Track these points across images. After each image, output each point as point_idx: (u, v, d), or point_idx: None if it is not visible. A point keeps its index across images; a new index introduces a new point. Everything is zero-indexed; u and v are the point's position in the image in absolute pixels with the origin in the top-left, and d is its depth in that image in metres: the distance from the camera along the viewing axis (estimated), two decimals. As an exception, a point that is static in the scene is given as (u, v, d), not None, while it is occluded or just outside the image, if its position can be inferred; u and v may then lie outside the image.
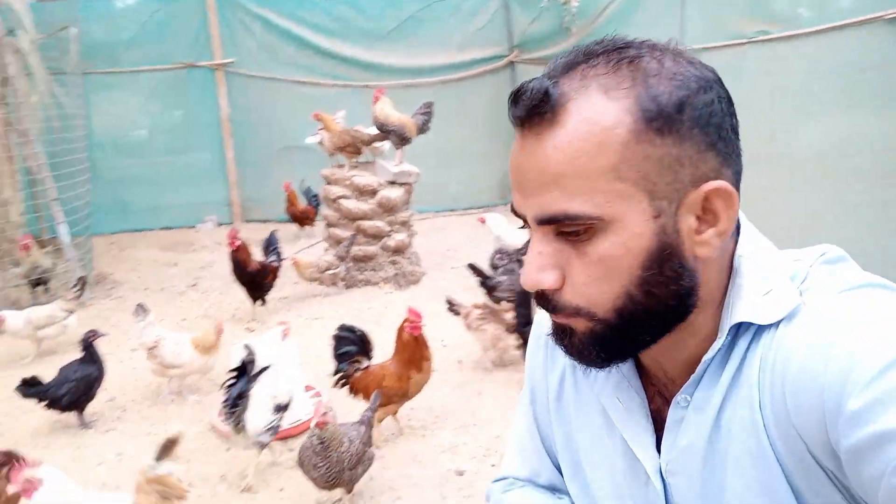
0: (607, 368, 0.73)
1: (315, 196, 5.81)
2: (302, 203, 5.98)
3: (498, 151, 6.67)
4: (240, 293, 4.08)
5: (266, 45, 6.62)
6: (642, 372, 0.77)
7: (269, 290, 3.95)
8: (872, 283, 0.64)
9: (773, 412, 0.64)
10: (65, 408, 2.67)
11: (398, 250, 4.55)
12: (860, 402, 0.54)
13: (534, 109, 0.63)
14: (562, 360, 0.85)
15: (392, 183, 4.50)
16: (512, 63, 7.11)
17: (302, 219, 5.96)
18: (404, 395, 2.62)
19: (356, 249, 4.43)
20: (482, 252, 4.26)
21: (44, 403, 2.60)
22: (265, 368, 2.44)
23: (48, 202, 4.72)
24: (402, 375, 2.58)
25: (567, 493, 0.87)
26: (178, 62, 6.50)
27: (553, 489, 0.91)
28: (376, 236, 4.49)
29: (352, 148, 4.48)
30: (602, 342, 0.67)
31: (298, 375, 2.91)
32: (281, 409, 2.40)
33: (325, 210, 4.68)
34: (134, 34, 6.41)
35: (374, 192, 4.45)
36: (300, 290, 4.45)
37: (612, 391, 0.77)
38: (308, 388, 3.00)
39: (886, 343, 0.56)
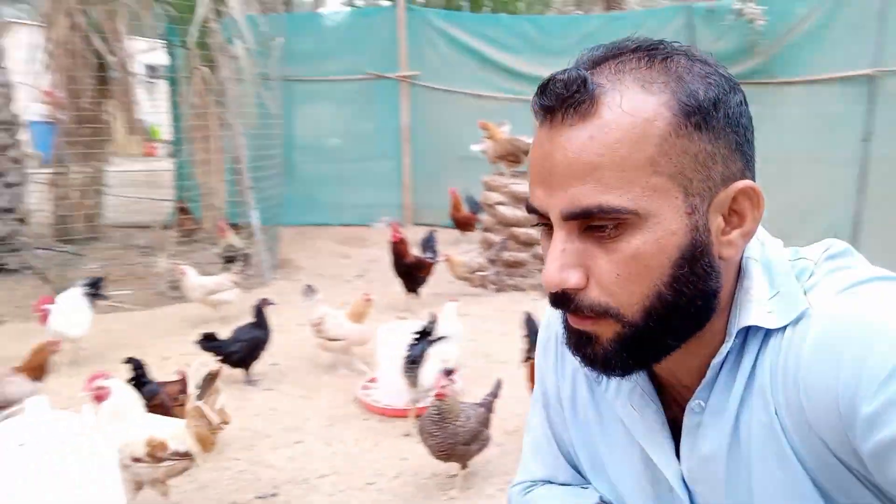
0: (627, 377, 0.72)
1: (477, 204, 6.06)
2: (465, 209, 6.25)
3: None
4: (399, 286, 4.43)
5: (448, 60, 7.01)
6: (655, 380, 0.75)
7: (422, 283, 4.22)
8: (878, 276, 0.63)
9: (790, 416, 0.63)
10: (234, 364, 3.10)
11: (549, 259, 4.66)
12: (873, 406, 0.54)
13: (569, 99, 0.61)
14: (572, 364, 0.83)
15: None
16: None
17: (464, 224, 6.22)
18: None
19: (507, 255, 4.60)
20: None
21: (218, 358, 3.04)
22: (442, 337, 2.80)
23: (244, 191, 5.39)
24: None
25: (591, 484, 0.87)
26: (369, 73, 7.09)
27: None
28: (528, 244, 4.63)
29: (513, 157, 4.67)
30: (630, 347, 0.65)
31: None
32: (448, 372, 2.61)
33: (482, 215, 4.90)
34: (333, 46, 7.09)
35: (530, 201, 4.60)
36: (452, 288, 4.70)
37: (625, 399, 0.76)
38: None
39: (894, 344, 0.55)
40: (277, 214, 5.74)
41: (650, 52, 0.63)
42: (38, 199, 6.29)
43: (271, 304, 3.32)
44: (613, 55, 0.64)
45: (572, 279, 0.63)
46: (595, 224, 0.62)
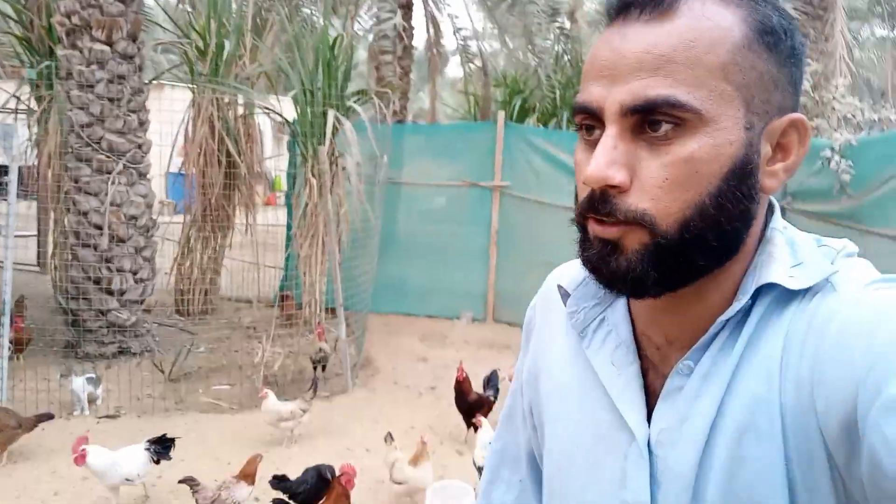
0: (597, 302, 0.75)
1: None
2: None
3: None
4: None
5: (538, 172, 7.41)
6: (636, 335, 0.74)
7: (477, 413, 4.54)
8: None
9: (796, 392, 0.60)
10: (300, 502, 3.54)
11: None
12: None
13: None
14: (558, 324, 0.82)
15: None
16: (783, 209, 6.94)
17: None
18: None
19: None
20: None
21: (287, 496, 3.48)
22: None
23: (335, 290, 5.91)
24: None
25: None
26: (465, 180, 7.60)
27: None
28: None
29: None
30: (655, 260, 0.63)
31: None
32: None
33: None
34: (435, 153, 7.67)
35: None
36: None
37: (607, 356, 0.74)
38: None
39: None
40: (368, 305, 6.26)
41: None
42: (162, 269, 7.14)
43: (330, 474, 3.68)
44: None
45: (619, 176, 0.62)
46: (654, 120, 0.61)
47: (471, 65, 12.58)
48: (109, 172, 5.52)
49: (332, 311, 6.67)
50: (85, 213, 5.53)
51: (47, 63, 6.20)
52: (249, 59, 7.48)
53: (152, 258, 6.04)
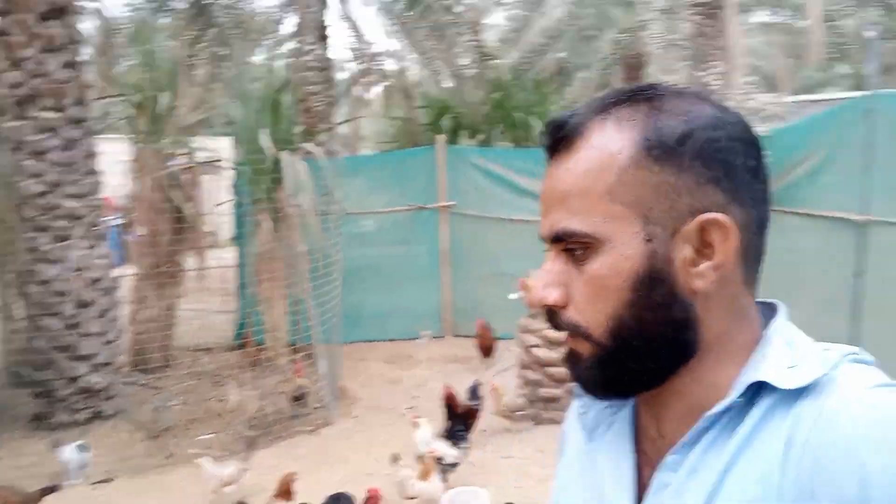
0: (608, 402, 0.78)
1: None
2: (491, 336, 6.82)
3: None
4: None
5: (481, 189, 7.77)
6: (638, 432, 0.77)
7: (472, 428, 4.79)
8: None
9: (796, 492, 0.59)
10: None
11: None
12: None
13: (553, 139, 0.70)
14: (574, 441, 0.85)
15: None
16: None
17: (487, 350, 6.85)
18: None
19: (543, 391, 5.18)
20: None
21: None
22: None
23: (310, 326, 6.03)
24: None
25: None
26: (411, 204, 7.88)
27: None
28: (561, 381, 5.20)
29: (545, 306, 5.29)
30: (602, 367, 0.69)
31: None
32: None
33: (522, 356, 5.50)
34: (378, 182, 7.91)
35: (563, 344, 5.19)
36: (496, 423, 5.27)
37: (606, 447, 0.78)
38: None
39: None
40: (336, 336, 6.41)
41: (644, 94, 0.69)
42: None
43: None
44: (618, 98, 0.70)
45: (551, 296, 0.69)
46: (570, 247, 0.69)
47: (393, 89, 12.89)
48: (67, 238, 5.49)
49: (295, 349, 6.80)
50: (46, 282, 5.48)
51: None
52: (187, 105, 7.54)
53: (117, 319, 6.01)
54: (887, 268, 4.80)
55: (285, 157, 6.36)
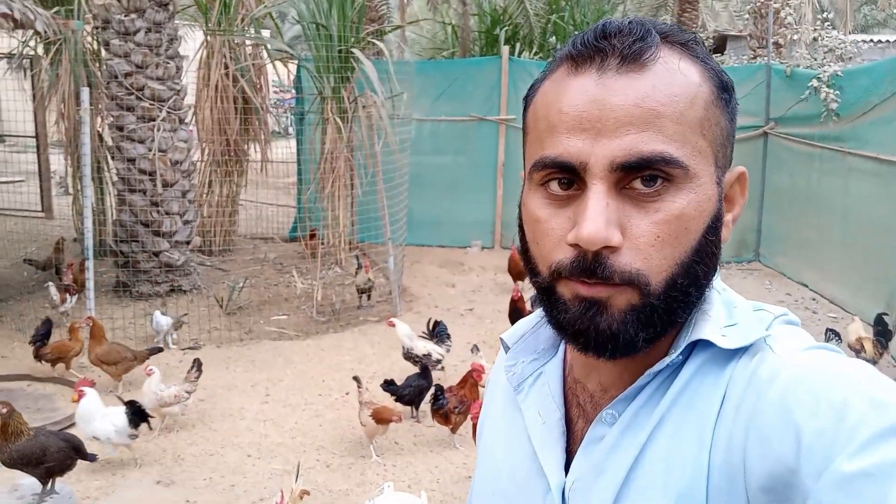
0: (535, 356, 0.76)
1: None
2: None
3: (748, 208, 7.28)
4: (506, 324, 5.35)
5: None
6: (570, 384, 0.74)
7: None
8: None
9: (727, 449, 0.58)
10: (406, 403, 4.09)
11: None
12: (858, 464, 0.49)
13: (631, 46, 0.60)
14: (502, 386, 0.82)
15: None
16: (766, 134, 7.58)
17: (520, 275, 6.39)
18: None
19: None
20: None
21: (394, 398, 4.03)
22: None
23: (382, 223, 6.29)
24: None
25: None
26: (473, 115, 7.98)
27: None
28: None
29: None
30: (646, 320, 0.61)
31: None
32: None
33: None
34: (443, 90, 7.98)
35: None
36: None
37: (534, 405, 0.74)
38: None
39: (886, 403, 0.51)
40: (404, 238, 6.71)
41: (677, 33, 0.64)
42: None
43: (435, 362, 4.27)
44: (663, 31, 0.63)
45: (616, 237, 0.59)
46: (650, 176, 0.59)
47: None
48: (153, 119, 5.70)
49: (357, 245, 7.11)
50: (132, 160, 5.73)
51: (56, 9, 6.21)
52: (256, -2, 7.55)
53: (195, 200, 6.29)
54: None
55: (356, 53, 6.43)
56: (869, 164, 6.01)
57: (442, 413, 3.85)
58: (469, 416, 3.69)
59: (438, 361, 4.59)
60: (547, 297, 0.65)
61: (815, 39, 6.94)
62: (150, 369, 3.87)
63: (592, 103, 0.59)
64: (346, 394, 4.40)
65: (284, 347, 5.18)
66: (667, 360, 0.62)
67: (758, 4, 8.47)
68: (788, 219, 7.38)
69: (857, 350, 4.59)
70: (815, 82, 6.32)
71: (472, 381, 3.78)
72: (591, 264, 0.59)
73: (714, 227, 0.62)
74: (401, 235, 6.59)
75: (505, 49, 7.95)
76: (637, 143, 0.58)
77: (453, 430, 3.89)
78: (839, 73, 6.28)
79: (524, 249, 0.68)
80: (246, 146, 7.59)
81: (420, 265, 7.48)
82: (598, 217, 0.58)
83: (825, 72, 6.30)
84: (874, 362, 4.56)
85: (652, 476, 0.61)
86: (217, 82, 6.98)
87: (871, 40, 13.14)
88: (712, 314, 0.64)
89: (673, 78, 0.60)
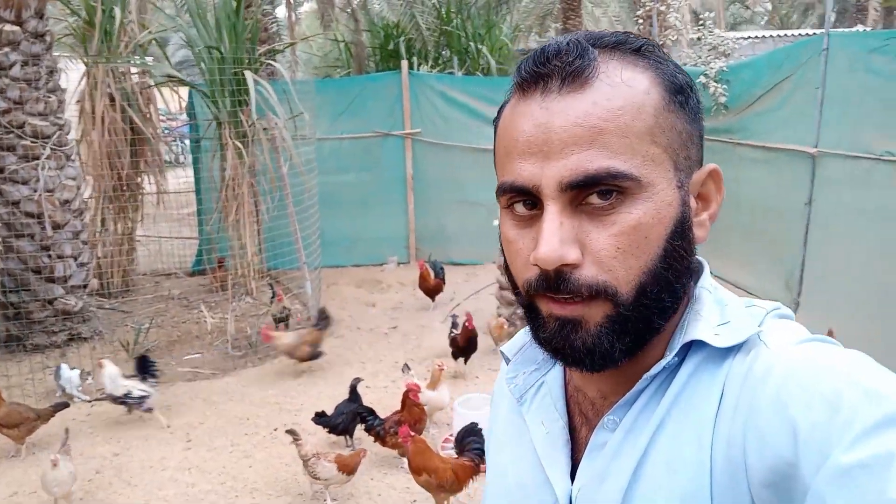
0: (536, 367, 0.77)
1: (441, 268, 6.71)
2: (432, 277, 6.60)
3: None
4: (433, 337, 5.31)
5: (445, 117, 7.85)
6: (572, 393, 0.75)
7: (472, 352, 4.96)
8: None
9: (728, 447, 0.59)
10: (340, 433, 3.93)
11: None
12: (854, 456, 0.49)
13: (569, 66, 0.61)
14: (505, 398, 0.83)
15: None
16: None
17: (433, 291, 6.58)
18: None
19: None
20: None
21: (328, 430, 3.86)
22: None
23: (295, 249, 6.07)
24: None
25: None
26: (377, 131, 7.89)
27: None
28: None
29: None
30: (619, 330, 0.62)
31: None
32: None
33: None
34: (345, 108, 7.85)
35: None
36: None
37: (538, 416, 0.75)
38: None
39: (879, 393, 0.51)
40: (318, 259, 6.50)
41: (629, 42, 0.65)
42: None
43: (360, 380, 4.15)
44: (593, 42, 0.64)
45: (572, 254, 0.60)
46: (602, 191, 0.60)
47: (341, 10, 12.55)
48: (37, 158, 5.28)
49: (268, 273, 6.85)
50: (16, 203, 5.28)
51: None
52: (138, 24, 7.18)
53: (88, 241, 5.87)
54: (833, 196, 5.30)
55: (249, 76, 6.22)
56: (757, 152, 6.36)
57: (374, 433, 3.74)
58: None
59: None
60: (529, 313, 0.67)
61: (699, 39, 7.28)
62: (101, 361, 4.25)
63: (538, 127, 0.61)
64: (275, 430, 4.19)
65: (201, 387, 4.88)
66: (662, 362, 0.64)
67: (647, 8, 8.86)
68: (689, 210, 7.69)
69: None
70: (703, 78, 6.64)
71: (409, 401, 3.68)
72: (554, 282, 0.61)
73: (679, 232, 0.63)
74: (316, 259, 6.39)
75: (404, 63, 7.91)
76: (582, 161, 0.59)
77: (401, 454, 3.77)
78: (724, 68, 6.62)
79: (506, 267, 0.69)
80: (139, 179, 7.18)
81: (337, 287, 7.29)
82: (552, 238, 0.60)
83: (712, 68, 6.63)
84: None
85: (655, 479, 0.62)
86: (102, 113, 6.59)
87: (745, 37, 14.07)
88: (704, 314, 0.65)
89: (615, 91, 0.61)
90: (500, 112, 0.69)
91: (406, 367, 4.33)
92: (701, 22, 7.38)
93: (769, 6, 24.04)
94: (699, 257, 0.70)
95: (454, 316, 5.22)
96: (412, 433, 3.34)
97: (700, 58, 7.25)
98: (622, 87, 0.61)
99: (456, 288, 6.98)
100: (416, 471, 3.23)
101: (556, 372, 0.77)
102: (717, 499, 0.59)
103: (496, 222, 4.53)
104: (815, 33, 5.52)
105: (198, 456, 3.95)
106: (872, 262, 4.71)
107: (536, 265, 0.61)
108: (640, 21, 9.59)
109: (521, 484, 0.75)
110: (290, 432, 3.54)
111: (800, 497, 0.52)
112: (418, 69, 8.95)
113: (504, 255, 0.68)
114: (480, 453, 3.35)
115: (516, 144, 0.63)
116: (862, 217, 4.92)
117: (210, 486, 3.64)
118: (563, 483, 0.70)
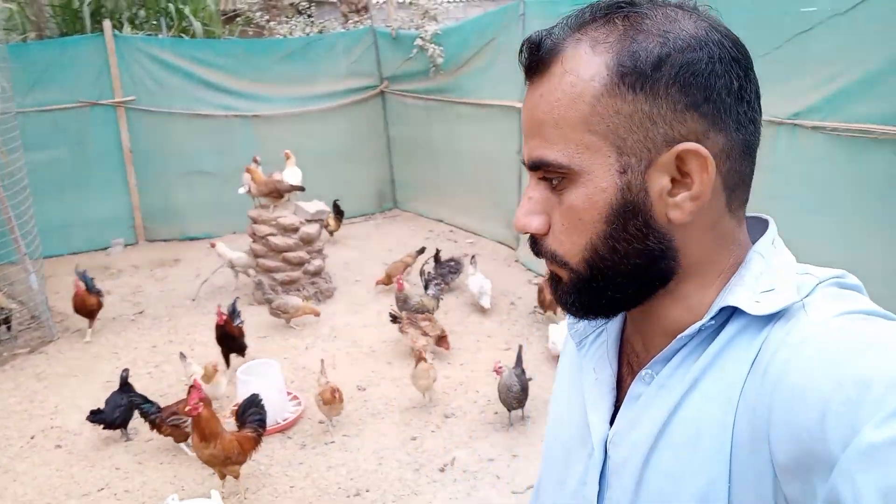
0: (591, 321, 0.80)
1: (92, 280, 5.41)
2: (83, 290, 5.16)
3: (371, 165, 8.17)
4: (185, 318, 5.12)
5: (162, 83, 7.31)
6: (625, 343, 0.78)
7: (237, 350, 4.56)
8: (886, 314, 0.61)
9: (752, 414, 0.59)
10: (119, 426, 3.67)
11: (316, 273, 5.71)
12: (885, 433, 0.48)
13: (528, 59, 0.67)
14: (570, 345, 0.87)
15: (309, 221, 5.64)
16: (382, 93, 8.29)
17: (91, 312, 5.18)
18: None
19: (283, 276, 5.53)
20: (378, 262, 5.55)
21: (103, 426, 3.60)
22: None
23: (12, 239, 5.23)
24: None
25: None
26: (82, 101, 7.06)
27: None
28: (299, 263, 5.60)
29: (275, 194, 5.54)
30: (579, 292, 0.70)
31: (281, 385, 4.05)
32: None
33: (253, 245, 5.69)
34: (38, 77, 6.87)
35: (296, 230, 5.56)
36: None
37: (591, 362, 0.80)
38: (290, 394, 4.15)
39: None
40: (39, 248, 5.68)
41: (620, 10, 0.65)
42: None
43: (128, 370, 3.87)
44: (593, 14, 0.66)
45: (533, 224, 0.69)
46: (547, 176, 0.68)
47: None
48: None
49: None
50: None
51: None
52: None
53: None
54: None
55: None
56: (471, 109, 7.07)
57: (150, 420, 3.58)
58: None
59: None
60: None
61: (410, 3, 7.72)
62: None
63: (523, 113, 0.70)
64: (32, 437, 3.75)
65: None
66: (697, 324, 0.66)
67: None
68: (415, 166, 8.26)
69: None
70: (419, 41, 7.11)
71: (194, 389, 3.51)
72: (532, 246, 0.73)
73: (622, 216, 0.65)
74: (37, 248, 5.63)
75: (107, 24, 7.13)
76: (532, 148, 0.68)
77: (177, 440, 3.63)
78: (438, 31, 7.16)
79: None
80: None
81: (58, 278, 6.48)
82: (520, 209, 0.70)
83: (427, 31, 7.12)
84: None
85: (683, 435, 0.66)
86: None
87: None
88: (748, 280, 0.67)
89: (561, 82, 0.65)
90: None
91: (182, 356, 4.13)
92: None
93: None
94: (767, 218, 0.73)
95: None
96: (202, 397, 3.24)
97: (412, 21, 7.73)
98: (566, 78, 0.65)
99: (198, 265, 6.69)
100: (205, 438, 3.16)
101: (618, 320, 0.80)
102: (736, 459, 0.61)
103: (241, 190, 4.42)
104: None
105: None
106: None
107: None
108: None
109: (569, 423, 0.81)
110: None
111: (821, 469, 0.52)
112: (121, 32, 8.13)
113: None
114: (262, 423, 3.39)
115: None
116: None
117: (-35, 516, 3.18)
118: (602, 427, 0.74)
